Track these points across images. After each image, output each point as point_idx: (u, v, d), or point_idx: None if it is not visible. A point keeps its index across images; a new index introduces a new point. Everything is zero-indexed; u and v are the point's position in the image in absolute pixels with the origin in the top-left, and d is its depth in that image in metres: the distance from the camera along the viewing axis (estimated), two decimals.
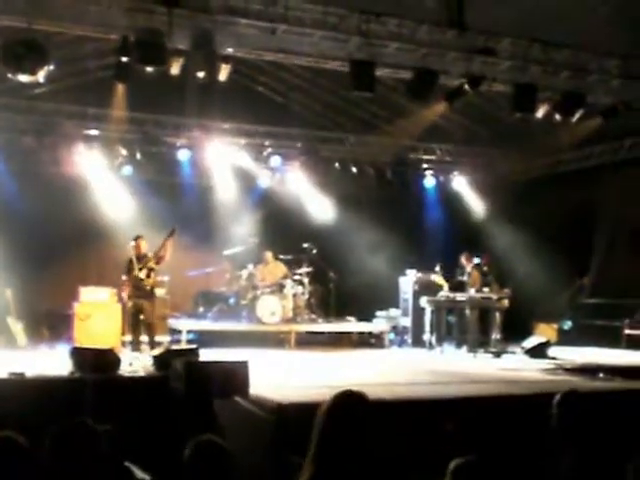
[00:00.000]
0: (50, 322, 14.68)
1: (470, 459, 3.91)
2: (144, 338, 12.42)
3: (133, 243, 12.64)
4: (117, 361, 9.60)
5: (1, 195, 15.30)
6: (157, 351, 11.09)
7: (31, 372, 9.11)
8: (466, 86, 12.09)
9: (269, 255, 16.73)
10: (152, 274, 12.56)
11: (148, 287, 12.54)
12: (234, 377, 8.75)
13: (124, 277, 12.64)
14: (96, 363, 9.26)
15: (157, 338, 12.74)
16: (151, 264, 12.52)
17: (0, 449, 3.74)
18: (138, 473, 4.69)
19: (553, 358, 13.53)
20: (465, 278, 15.43)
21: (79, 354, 9.56)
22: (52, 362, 10.49)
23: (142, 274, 12.43)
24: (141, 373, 9.80)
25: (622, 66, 12.47)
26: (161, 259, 12.63)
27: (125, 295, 12.83)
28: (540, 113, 12.69)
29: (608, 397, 9.22)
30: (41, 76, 10.17)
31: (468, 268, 15.45)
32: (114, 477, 3.96)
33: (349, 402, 3.46)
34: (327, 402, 3.47)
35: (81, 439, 3.77)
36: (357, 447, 3.29)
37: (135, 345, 12.40)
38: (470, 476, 3.81)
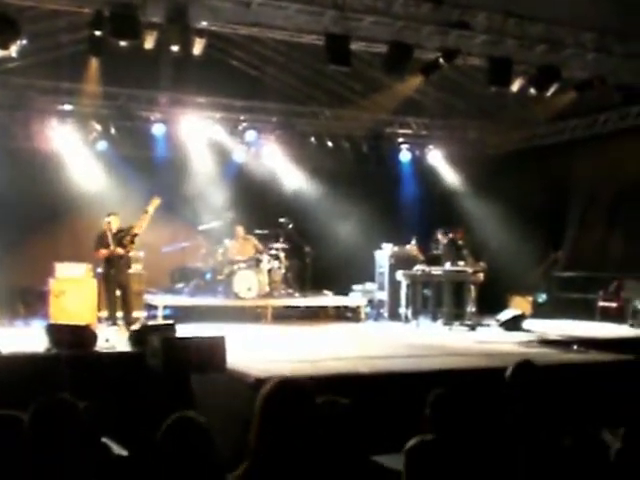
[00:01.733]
0: (25, 298, 14.57)
1: (426, 438, 3.92)
2: (120, 314, 12.41)
3: (106, 219, 12.63)
4: (93, 337, 9.58)
5: None
6: (134, 327, 11.08)
7: (7, 349, 9.08)
8: (441, 60, 12.05)
9: (239, 230, 16.58)
10: (135, 240, 12.59)
11: (131, 254, 12.62)
12: (211, 352, 8.77)
13: (100, 251, 12.64)
14: (72, 339, 9.24)
15: (134, 314, 12.74)
16: (135, 230, 12.49)
17: (6, 427, 3.75)
18: (116, 449, 4.71)
19: (528, 331, 13.68)
20: (440, 252, 15.52)
21: (55, 330, 9.53)
22: (28, 339, 10.45)
23: (125, 242, 12.46)
24: (118, 349, 9.79)
25: (597, 40, 12.47)
26: (140, 226, 12.60)
27: (102, 271, 12.87)
28: (515, 87, 12.68)
29: (568, 369, 9.34)
30: (14, 50, 10.05)
31: (444, 242, 15.54)
32: (92, 453, 3.96)
33: (285, 392, 3.43)
34: (266, 389, 3.44)
35: (61, 414, 3.77)
36: (297, 434, 3.27)
37: (112, 321, 12.39)
38: (426, 456, 3.81)
